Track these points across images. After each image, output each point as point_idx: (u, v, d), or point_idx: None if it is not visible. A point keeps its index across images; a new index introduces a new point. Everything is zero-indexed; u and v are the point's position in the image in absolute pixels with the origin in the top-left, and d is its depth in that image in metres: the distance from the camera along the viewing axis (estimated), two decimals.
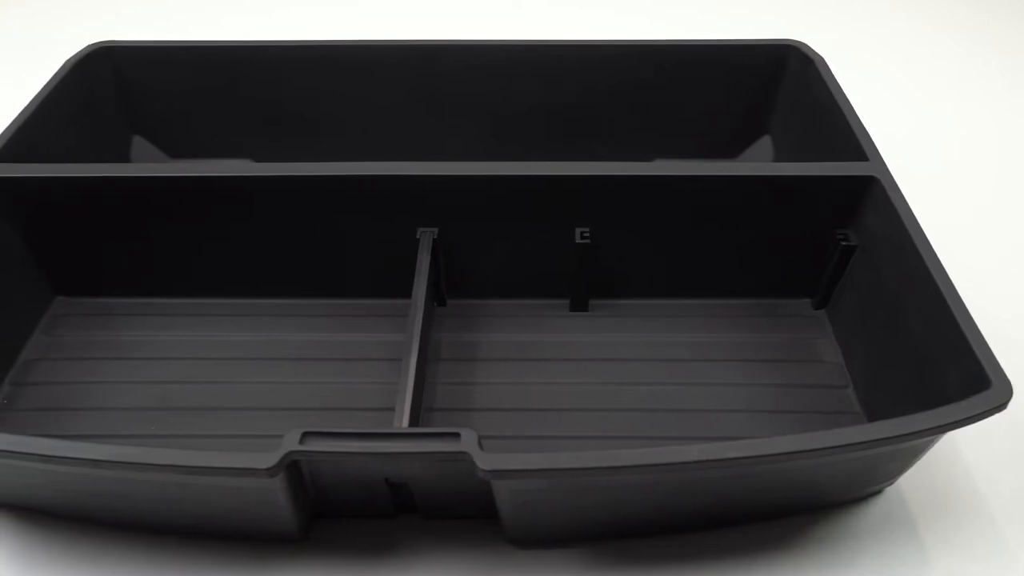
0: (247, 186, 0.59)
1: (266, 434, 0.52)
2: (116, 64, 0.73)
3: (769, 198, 0.58)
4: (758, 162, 0.74)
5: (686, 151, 0.75)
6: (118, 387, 0.57)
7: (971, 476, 0.53)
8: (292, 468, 0.42)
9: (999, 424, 0.45)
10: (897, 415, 0.42)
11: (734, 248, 0.60)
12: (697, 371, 0.58)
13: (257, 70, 0.74)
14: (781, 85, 0.73)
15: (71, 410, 0.55)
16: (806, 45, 0.71)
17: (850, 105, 0.64)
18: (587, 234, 0.59)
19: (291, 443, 0.41)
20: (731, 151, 0.76)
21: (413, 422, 0.48)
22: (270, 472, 0.40)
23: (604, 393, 0.56)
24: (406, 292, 0.57)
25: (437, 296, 0.62)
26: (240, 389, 0.57)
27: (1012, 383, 0.43)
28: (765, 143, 0.75)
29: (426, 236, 0.59)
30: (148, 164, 0.74)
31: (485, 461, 0.40)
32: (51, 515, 0.50)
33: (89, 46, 0.72)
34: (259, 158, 0.74)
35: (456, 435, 0.41)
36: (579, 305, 0.62)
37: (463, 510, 0.49)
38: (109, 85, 0.73)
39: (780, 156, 0.73)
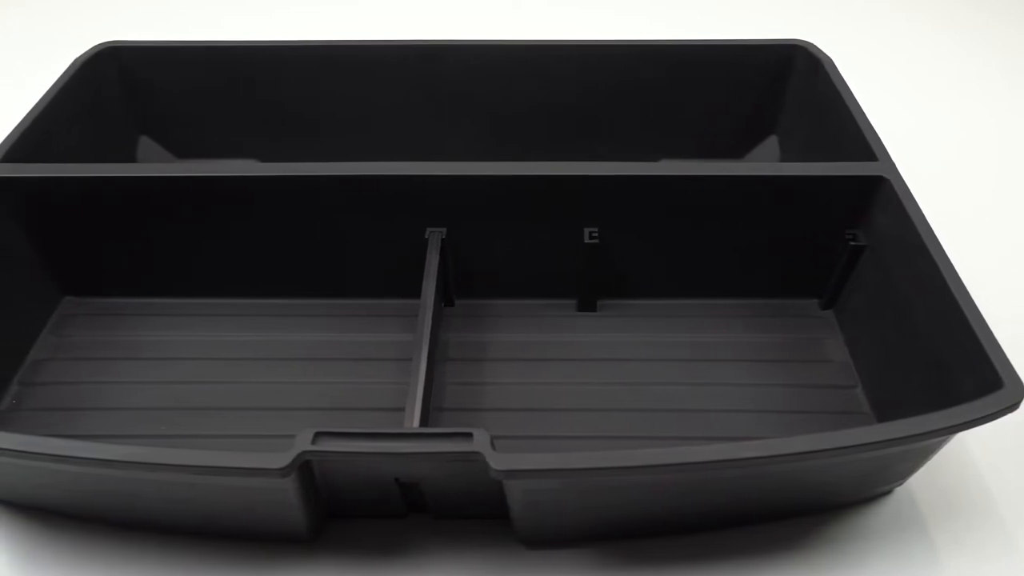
0: (254, 186, 0.59)
1: (275, 434, 0.53)
2: (122, 64, 0.73)
3: (778, 198, 0.58)
4: (766, 162, 0.74)
5: (691, 151, 0.75)
6: (126, 387, 0.57)
7: (981, 476, 0.53)
8: (304, 468, 0.42)
9: (1009, 424, 0.45)
10: (907, 415, 0.42)
11: (742, 248, 0.60)
12: (705, 371, 0.58)
13: (263, 70, 0.74)
14: (788, 85, 0.73)
15: (79, 410, 0.55)
16: (814, 45, 0.71)
17: (859, 105, 0.64)
18: (596, 234, 0.59)
19: (303, 443, 0.41)
20: (737, 151, 0.76)
21: (423, 422, 0.48)
22: (283, 472, 0.40)
23: (612, 393, 0.56)
24: (414, 292, 0.57)
25: (445, 296, 0.61)
26: (248, 389, 0.57)
27: None
28: (771, 143, 0.75)
29: (435, 236, 0.59)
30: (154, 164, 0.74)
31: (498, 461, 0.40)
32: (60, 515, 0.50)
33: (96, 46, 0.72)
34: (264, 158, 0.74)
35: (468, 435, 0.41)
36: (587, 305, 0.62)
37: (473, 510, 0.49)
38: (115, 85, 0.73)
39: (786, 156, 0.73)
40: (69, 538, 0.49)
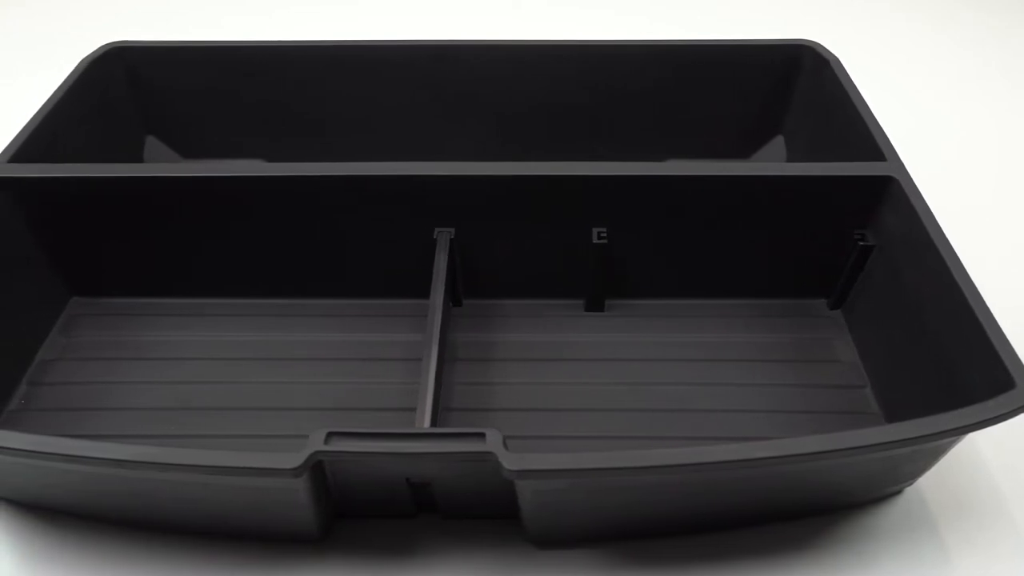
0: (260, 186, 0.59)
1: (283, 434, 0.53)
2: (129, 64, 0.73)
3: (787, 198, 0.58)
4: (775, 162, 0.73)
5: (697, 151, 0.75)
6: (135, 387, 0.57)
7: (991, 475, 0.53)
8: (316, 468, 0.42)
9: (1020, 423, 0.45)
10: (916, 416, 0.42)
11: (750, 248, 0.60)
12: (713, 371, 0.58)
13: (268, 70, 0.74)
14: (795, 85, 0.73)
15: (88, 410, 0.55)
16: (821, 45, 0.71)
17: (866, 105, 0.64)
18: (604, 234, 0.58)
19: (316, 443, 0.41)
20: (743, 152, 0.76)
21: (433, 422, 0.48)
22: (295, 472, 0.40)
23: (620, 393, 0.56)
24: (421, 292, 0.57)
25: (453, 296, 0.61)
26: (256, 389, 0.57)
27: None
28: (778, 143, 0.75)
29: (443, 236, 0.59)
30: (160, 164, 0.74)
31: (511, 461, 0.40)
32: (69, 515, 0.50)
33: (103, 46, 0.72)
34: (270, 158, 0.74)
35: (481, 435, 0.41)
36: (595, 305, 0.62)
37: (483, 510, 0.49)
38: (122, 85, 0.73)
39: (793, 156, 0.73)
40: (78, 538, 0.49)
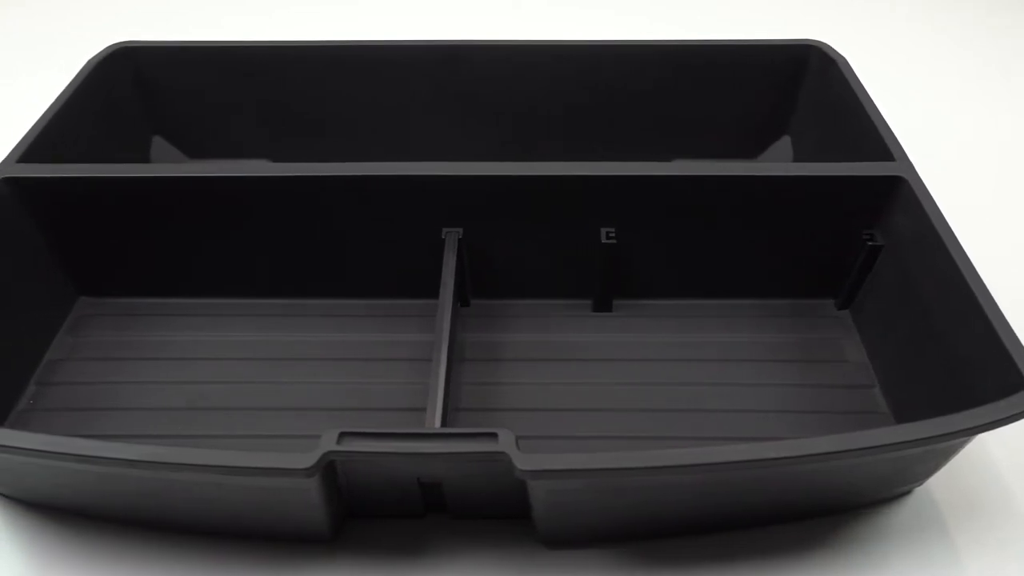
0: (266, 186, 0.59)
1: (292, 434, 0.53)
2: (136, 64, 0.73)
3: (795, 198, 0.58)
4: (783, 162, 0.73)
5: (703, 151, 0.75)
6: (143, 387, 0.57)
7: (1001, 475, 0.53)
8: (328, 468, 0.42)
9: None
10: (926, 416, 0.42)
11: (758, 248, 0.60)
12: (721, 371, 0.58)
13: (275, 71, 0.74)
14: (801, 86, 0.73)
15: (96, 410, 0.55)
16: (828, 45, 0.71)
17: (874, 105, 0.64)
18: (613, 234, 0.58)
19: (329, 443, 0.41)
20: (749, 152, 0.76)
21: (442, 422, 0.48)
22: (308, 472, 0.40)
23: (628, 393, 0.56)
24: (428, 292, 0.57)
25: (460, 296, 0.61)
26: (264, 389, 0.56)
27: None
28: (784, 144, 0.75)
29: (451, 236, 0.59)
30: (167, 164, 0.74)
31: (524, 461, 0.40)
32: (79, 515, 0.50)
33: (110, 46, 0.72)
34: (275, 158, 0.74)
35: (494, 435, 0.41)
36: (602, 305, 0.62)
37: (492, 510, 0.49)
38: (129, 85, 0.73)
39: (799, 156, 0.73)
40: (89, 538, 0.49)
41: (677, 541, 0.49)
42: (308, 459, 0.40)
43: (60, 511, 0.50)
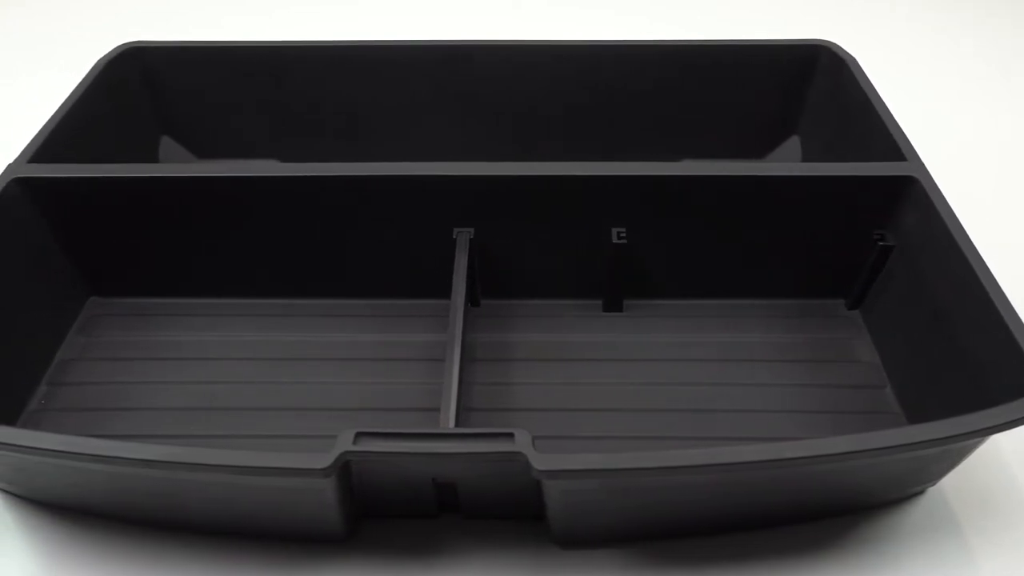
0: (277, 186, 0.59)
1: (306, 434, 0.53)
2: (145, 64, 0.73)
3: (806, 198, 0.58)
4: (794, 163, 0.73)
5: (712, 152, 0.75)
6: (155, 387, 0.57)
7: (1014, 476, 0.53)
8: (343, 468, 0.42)
9: None
10: (938, 416, 0.42)
11: (768, 248, 0.60)
12: (732, 372, 0.58)
13: (283, 71, 0.74)
14: (811, 85, 0.73)
15: (108, 410, 0.55)
16: (837, 45, 0.71)
17: (885, 106, 0.64)
18: (623, 234, 0.58)
19: (345, 443, 0.41)
20: (758, 152, 0.76)
21: (456, 423, 0.48)
22: (325, 472, 0.40)
23: (639, 393, 0.56)
24: (439, 292, 0.57)
25: (471, 296, 0.61)
26: (276, 389, 0.56)
27: None
28: (793, 144, 0.75)
29: (462, 236, 0.59)
30: (176, 164, 0.74)
31: (540, 461, 0.40)
32: (92, 514, 0.50)
33: (119, 47, 0.72)
34: (284, 158, 0.74)
35: (510, 435, 0.41)
36: (613, 305, 0.62)
37: (506, 510, 0.49)
38: (138, 85, 0.73)
39: (808, 157, 0.73)
40: (100, 538, 0.49)
41: (691, 541, 0.49)
42: (325, 459, 0.40)
43: (72, 511, 0.50)
